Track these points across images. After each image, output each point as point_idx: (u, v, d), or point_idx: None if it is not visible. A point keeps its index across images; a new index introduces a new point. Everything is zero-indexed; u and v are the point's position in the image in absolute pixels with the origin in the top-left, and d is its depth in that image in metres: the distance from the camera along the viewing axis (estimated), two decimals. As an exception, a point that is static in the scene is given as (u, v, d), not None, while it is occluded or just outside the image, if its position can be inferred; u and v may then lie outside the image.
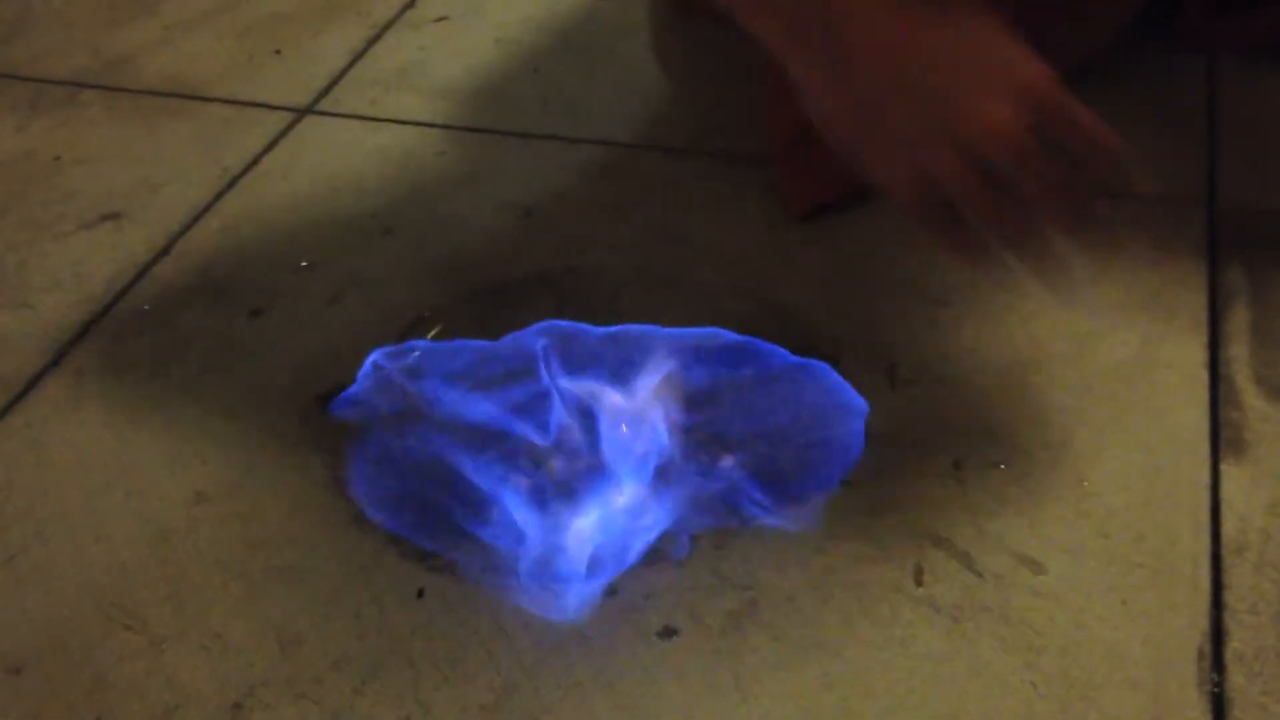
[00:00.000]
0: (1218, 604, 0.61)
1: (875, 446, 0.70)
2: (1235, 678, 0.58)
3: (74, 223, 0.93)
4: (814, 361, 0.74)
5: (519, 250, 0.86)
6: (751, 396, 0.72)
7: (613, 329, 0.77)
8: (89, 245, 0.90)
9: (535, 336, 0.76)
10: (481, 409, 0.72)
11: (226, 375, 0.78)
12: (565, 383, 0.72)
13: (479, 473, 0.69)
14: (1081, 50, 0.95)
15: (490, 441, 0.70)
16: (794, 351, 0.75)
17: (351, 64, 1.10)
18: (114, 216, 0.93)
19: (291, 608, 0.64)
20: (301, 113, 1.03)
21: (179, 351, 0.80)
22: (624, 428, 0.70)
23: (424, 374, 0.76)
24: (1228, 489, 0.66)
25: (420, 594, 0.64)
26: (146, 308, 0.84)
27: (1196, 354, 0.73)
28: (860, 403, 0.72)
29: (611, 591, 0.64)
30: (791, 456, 0.69)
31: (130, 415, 0.76)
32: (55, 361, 0.80)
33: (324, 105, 1.04)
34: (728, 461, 0.69)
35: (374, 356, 0.77)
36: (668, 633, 0.62)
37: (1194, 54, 0.99)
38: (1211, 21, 0.99)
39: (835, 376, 0.73)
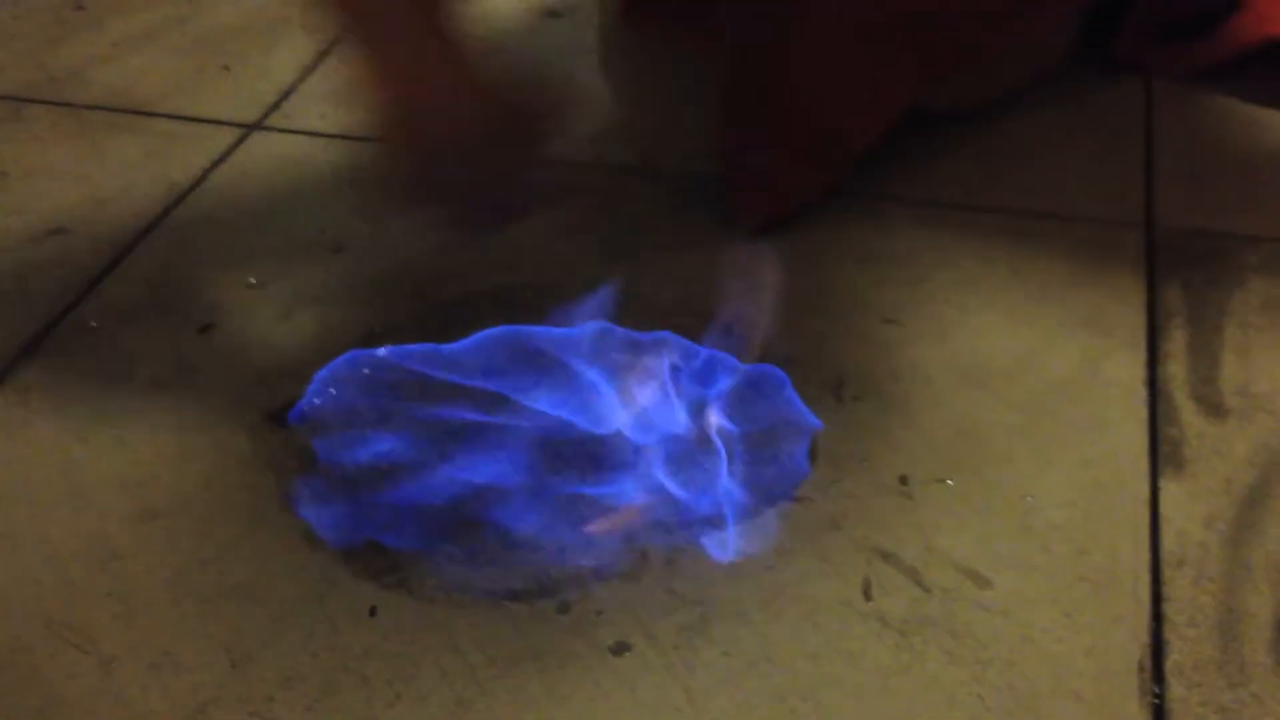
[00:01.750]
0: (1158, 617, 0.62)
1: (823, 462, 0.71)
2: (1175, 689, 0.59)
3: (19, 238, 0.92)
4: (770, 373, 0.74)
5: (470, 268, 0.86)
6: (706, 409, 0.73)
7: (567, 330, 0.78)
8: (35, 260, 0.89)
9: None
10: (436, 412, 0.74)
11: (175, 392, 0.78)
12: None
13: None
14: (1026, 76, 0.97)
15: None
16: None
17: (301, 79, 1.09)
18: (60, 232, 0.92)
19: (243, 626, 0.64)
20: (250, 128, 1.03)
21: (127, 368, 0.80)
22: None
23: (376, 385, 0.76)
24: (1167, 504, 0.67)
25: (373, 612, 0.65)
26: (94, 324, 0.84)
27: (1136, 372, 0.75)
28: (812, 420, 0.73)
29: (564, 608, 0.64)
30: (744, 471, 0.70)
31: (78, 433, 0.76)
32: (1, 379, 0.80)
33: (273, 121, 1.04)
34: (682, 474, 0.70)
35: (323, 372, 0.77)
36: (620, 648, 0.62)
37: (1131, 77, 1.01)
38: (1149, 50, 1.01)
39: (789, 391, 0.74)
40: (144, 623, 0.65)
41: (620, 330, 0.77)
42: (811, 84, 0.88)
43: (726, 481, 0.69)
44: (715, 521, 0.67)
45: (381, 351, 0.78)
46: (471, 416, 0.73)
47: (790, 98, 0.88)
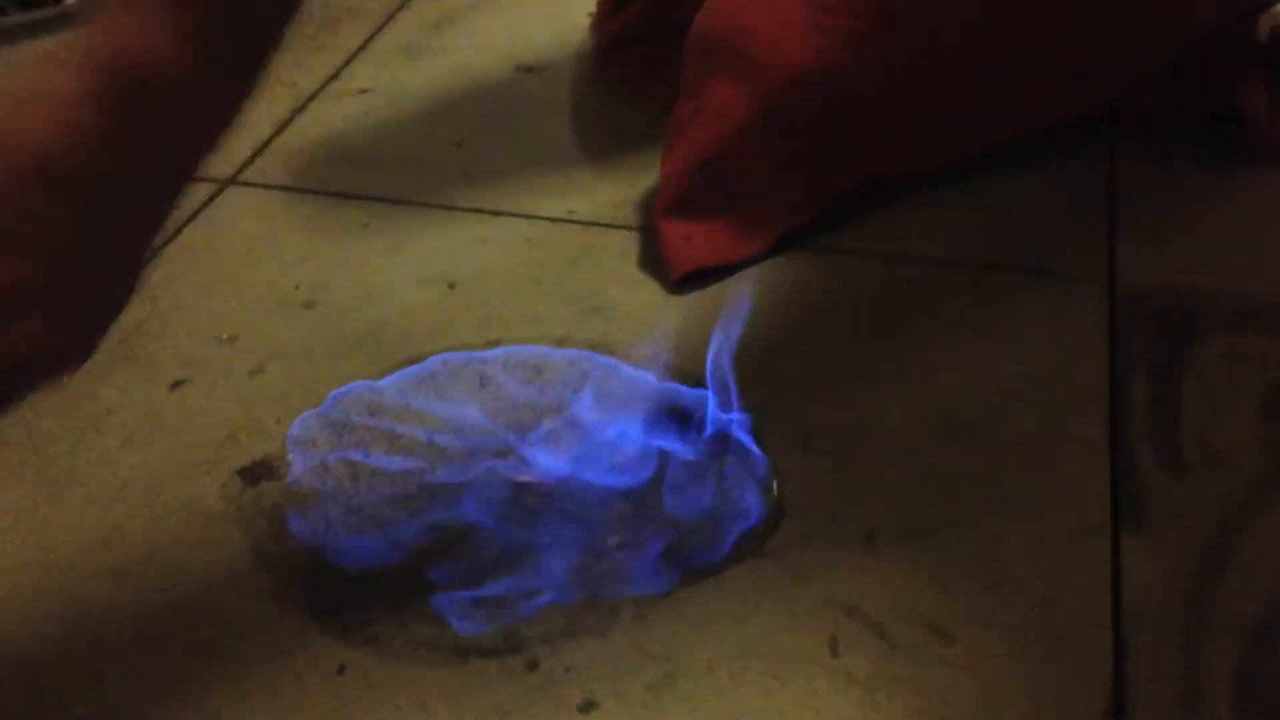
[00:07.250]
0: (1120, 673, 0.63)
1: (791, 516, 0.72)
2: (1137, 744, 0.60)
3: (-8, 293, 0.92)
4: (736, 425, 0.75)
5: (442, 323, 0.87)
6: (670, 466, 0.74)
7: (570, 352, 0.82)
8: (7, 316, 0.90)
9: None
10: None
11: (147, 448, 0.78)
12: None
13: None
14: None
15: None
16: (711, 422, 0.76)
17: (275, 135, 1.10)
18: (33, 287, 0.92)
19: (212, 684, 0.64)
20: (224, 184, 1.04)
21: (98, 424, 0.80)
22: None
23: (352, 438, 0.76)
24: (1128, 560, 0.68)
25: (341, 670, 0.65)
26: (65, 380, 0.84)
27: (1098, 428, 0.76)
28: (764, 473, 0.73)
29: (533, 665, 0.64)
30: (704, 527, 0.71)
31: (49, 490, 0.76)
32: (-28, 435, 0.80)
33: (247, 176, 1.05)
34: (646, 530, 0.70)
35: (296, 427, 0.78)
36: (588, 706, 0.62)
37: (1092, 131, 1.02)
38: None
39: (748, 445, 0.74)
40: (114, 682, 0.65)
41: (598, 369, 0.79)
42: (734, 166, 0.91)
43: (692, 535, 0.70)
44: (684, 575, 0.68)
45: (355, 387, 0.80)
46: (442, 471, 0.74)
47: (713, 170, 0.90)
